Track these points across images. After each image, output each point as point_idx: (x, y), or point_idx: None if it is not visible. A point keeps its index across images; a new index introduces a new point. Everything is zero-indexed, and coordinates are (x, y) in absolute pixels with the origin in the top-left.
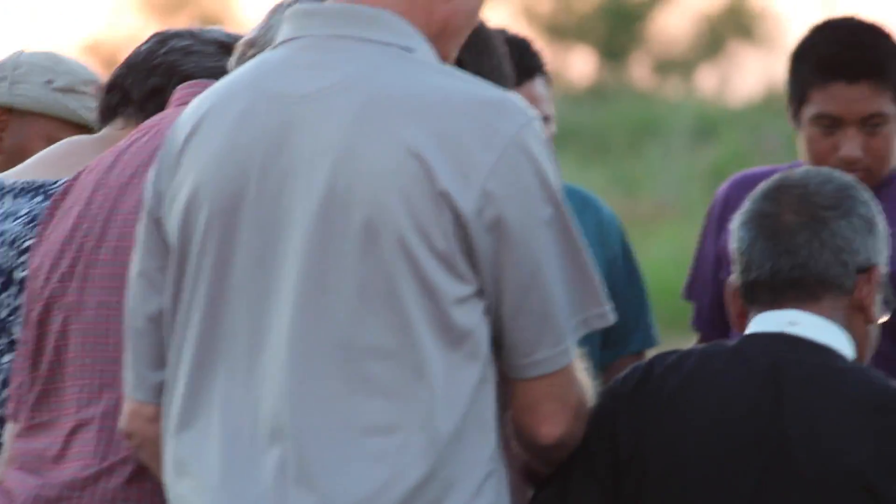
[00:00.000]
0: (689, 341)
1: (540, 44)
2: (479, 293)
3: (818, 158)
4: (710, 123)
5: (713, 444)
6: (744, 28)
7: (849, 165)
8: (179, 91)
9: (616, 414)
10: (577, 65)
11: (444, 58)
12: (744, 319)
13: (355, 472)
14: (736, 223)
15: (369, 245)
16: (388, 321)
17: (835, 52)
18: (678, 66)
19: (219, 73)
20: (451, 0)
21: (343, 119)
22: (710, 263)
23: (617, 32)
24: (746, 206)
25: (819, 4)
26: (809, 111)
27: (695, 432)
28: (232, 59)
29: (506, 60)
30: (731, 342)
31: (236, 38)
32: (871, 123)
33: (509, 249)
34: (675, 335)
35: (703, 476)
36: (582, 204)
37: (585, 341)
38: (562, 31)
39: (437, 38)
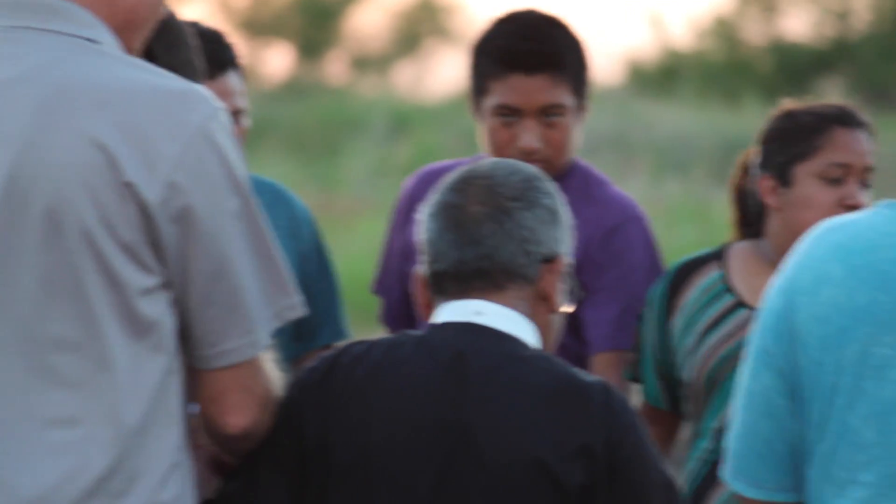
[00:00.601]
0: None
1: (236, 39)
2: (166, 284)
3: (498, 149)
4: (406, 119)
5: (398, 432)
6: (438, 25)
7: (527, 156)
8: None
9: (303, 405)
10: (274, 60)
11: (129, 50)
12: (431, 310)
13: (38, 464)
14: (423, 214)
15: (52, 237)
16: (72, 313)
17: (513, 43)
18: (374, 62)
19: None
20: None
21: (25, 110)
22: (397, 258)
23: (314, 29)
24: (434, 197)
25: (509, 1)
26: (489, 102)
27: (380, 421)
28: None
29: (197, 53)
30: (418, 332)
31: None
32: (549, 114)
33: (195, 240)
34: (373, 330)
35: (387, 464)
36: (274, 198)
37: (276, 334)
38: (258, 27)
39: (122, 29)
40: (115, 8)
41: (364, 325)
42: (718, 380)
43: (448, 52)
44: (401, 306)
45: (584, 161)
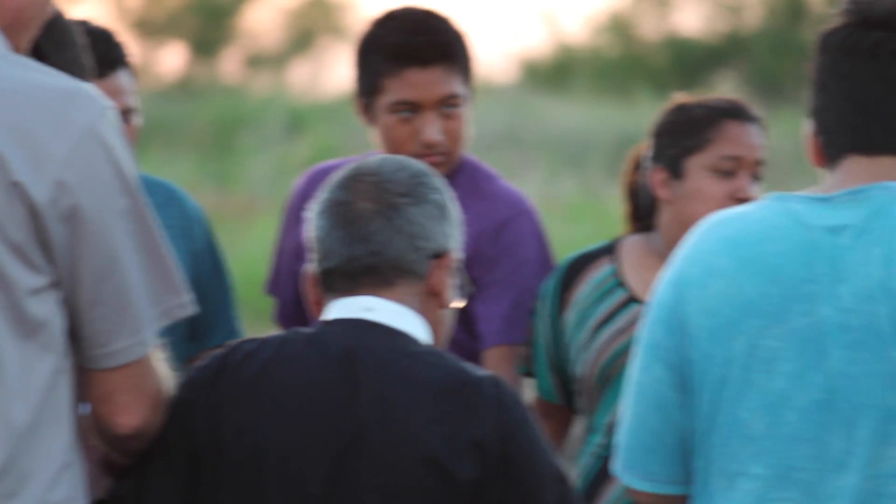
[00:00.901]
0: None
1: (129, 38)
2: (55, 284)
3: (398, 146)
4: (302, 117)
5: (289, 429)
6: (331, 23)
7: (430, 149)
8: None
9: (194, 403)
10: (168, 59)
11: (16, 49)
12: (321, 307)
13: None
14: (313, 212)
15: None
16: None
17: (405, 38)
18: (269, 61)
19: None
20: None
21: None
22: (289, 257)
23: (207, 27)
24: (322, 195)
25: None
26: (385, 100)
27: (272, 418)
28: None
29: (85, 52)
30: (308, 329)
31: None
32: (447, 105)
33: (84, 240)
34: (269, 329)
35: (279, 462)
36: (166, 197)
37: (169, 333)
38: (152, 26)
39: (9, 28)
40: (1, 7)
41: (262, 325)
42: (611, 375)
43: (342, 50)
44: (294, 306)
45: (478, 157)
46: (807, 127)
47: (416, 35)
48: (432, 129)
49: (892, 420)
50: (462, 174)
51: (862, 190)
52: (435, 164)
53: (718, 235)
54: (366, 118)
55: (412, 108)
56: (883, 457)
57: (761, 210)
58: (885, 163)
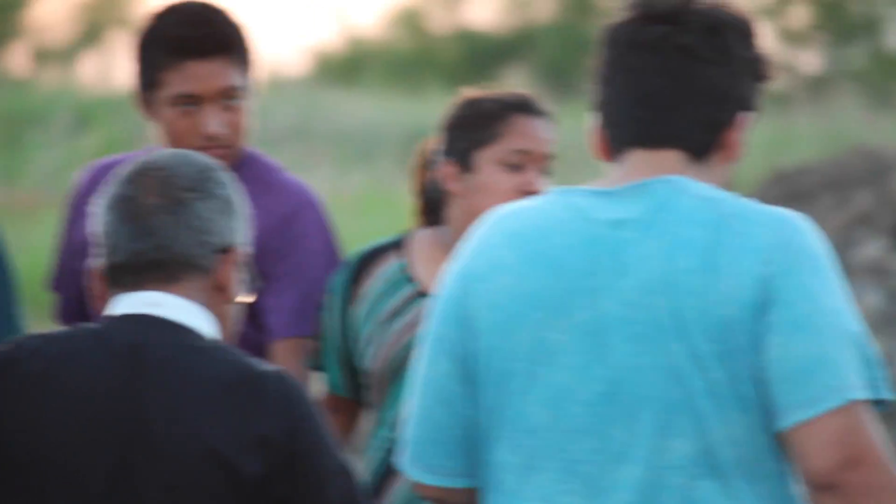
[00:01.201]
0: None
1: None
2: None
3: (179, 140)
4: (90, 112)
5: (74, 426)
6: (121, 16)
7: (212, 142)
8: None
9: None
10: None
11: None
12: (107, 303)
13: None
14: (98, 207)
15: None
16: None
17: (184, 31)
18: (57, 54)
19: None
20: None
21: None
22: (71, 253)
23: None
24: (108, 190)
25: None
26: (165, 93)
27: (57, 415)
28: None
29: None
30: (94, 325)
31: None
32: (228, 97)
33: None
34: (55, 326)
35: (63, 458)
36: None
37: None
38: None
39: None
40: None
41: (47, 322)
42: (400, 369)
43: (131, 44)
44: (77, 302)
45: (268, 151)
46: (592, 120)
47: (194, 27)
48: (213, 121)
49: (673, 412)
50: (246, 167)
51: (645, 184)
52: (217, 157)
53: (503, 229)
54: (147, 112)
55: (193, 100)
56: (665, 449)
57: (545, 204)
58: (667, 156)
